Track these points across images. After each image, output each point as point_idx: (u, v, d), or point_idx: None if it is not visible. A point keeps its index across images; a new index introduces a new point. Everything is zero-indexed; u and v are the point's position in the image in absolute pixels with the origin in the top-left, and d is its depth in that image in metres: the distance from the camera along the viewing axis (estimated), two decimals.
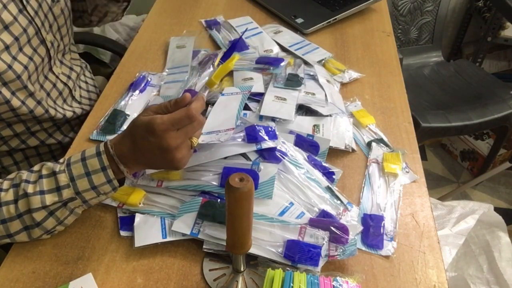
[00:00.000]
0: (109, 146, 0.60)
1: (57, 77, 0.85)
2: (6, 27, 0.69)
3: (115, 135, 0.66)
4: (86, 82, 0.99)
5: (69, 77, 0.89)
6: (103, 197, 0.62)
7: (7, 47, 0.69)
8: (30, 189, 0.59)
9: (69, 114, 0.87)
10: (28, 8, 0.74)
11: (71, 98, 0.90)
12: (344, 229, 0.61)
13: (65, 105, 0.88)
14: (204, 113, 0.79)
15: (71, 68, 0.91)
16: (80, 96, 0.94)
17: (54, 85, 0.84)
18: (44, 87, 0.81)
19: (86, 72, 1.01)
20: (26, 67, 0.73)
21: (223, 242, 0.60)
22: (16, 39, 0.71)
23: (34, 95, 0.76)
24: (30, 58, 0.74)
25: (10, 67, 0.70)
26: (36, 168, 0.62)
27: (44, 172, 0.60)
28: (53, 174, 0.60)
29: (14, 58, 0.71)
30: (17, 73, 0.71)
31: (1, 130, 0.78)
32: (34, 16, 0.75)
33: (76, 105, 0.91)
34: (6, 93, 0.71)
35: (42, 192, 0.59)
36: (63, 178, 0.59)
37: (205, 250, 0.62)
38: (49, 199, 0.59)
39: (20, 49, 0.72)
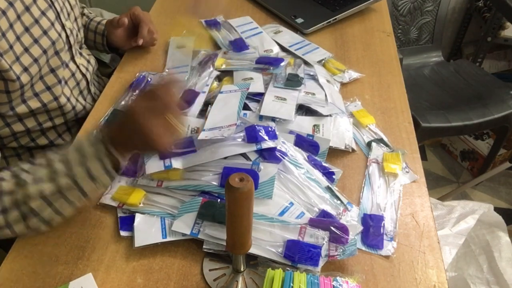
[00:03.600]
0: (102, 135, 0.60)
1: (77, 67, 0.87)
2: (27, 8, 0.71)
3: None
4: (100, 79, 1.02)
5: (87, 69, 0.91)
6: (101, 188, 0.62)
7: (27, 29, 0.71)
8: (29, 178, 0.59)
9: (79, 107, 0.88)
10: None
11: (87, 91, 0.92)
12: (344, 229, 0.61)
13: (80, 97, 0.89)
14: (204, 112, 0.80)
15: (88, 61, 0.93)
16: (95, 93, 0.96)
17: (73, 75, 0.86)
18: (64, 76, 0.83)
19: (97, 70, 1.02)
20: (45, 51, 0.75)
21: (223, 242, 0.60)
22: (36, 21, 0.73)
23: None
24: (53, 43, 0.76)
25: (26, 50, 0.71)
26: (36, 159, 0.62)
27: (43, 162, 0.60)
28: (51, 163, 0.60)
29: (36, 41, 0.73)
30: (34, 56, 0.73)
31: (13, 124, 0.79)
32: (54, 0, 0.78)
33: (89, 100, 0.92)
34: (18, 69, 0.71)
35: (40, 181, 0.58)
36: (60, 167, 0.59)
37: (205, 250, 0.62)
38: (47, 188, 0.58)
39: (45, 33, 0.74)
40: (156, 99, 0.59)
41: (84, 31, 0.97)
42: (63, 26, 0.80)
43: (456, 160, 2.00)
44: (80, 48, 0.93)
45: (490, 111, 1.48)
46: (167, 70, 0.95)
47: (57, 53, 0.78)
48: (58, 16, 0.78)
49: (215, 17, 1.13)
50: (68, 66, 0.84)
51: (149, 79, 0.92)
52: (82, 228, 0.66)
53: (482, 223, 1.19)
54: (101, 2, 1.80)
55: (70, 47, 0.84)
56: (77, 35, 0.87)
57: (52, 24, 0.76)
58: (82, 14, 1.01)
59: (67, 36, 0.82)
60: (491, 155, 1.81)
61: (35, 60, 0.73)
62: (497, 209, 1.22)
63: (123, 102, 0.85)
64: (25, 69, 0.72)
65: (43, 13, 0.74)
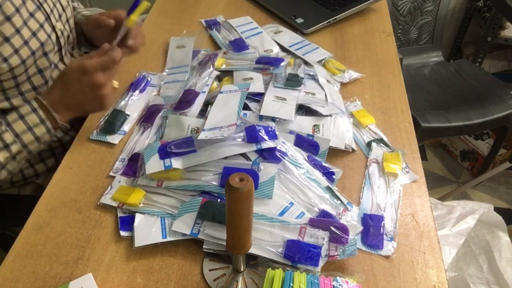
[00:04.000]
0: (41, 99, 0.72)
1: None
2: (17, 10, 0.71)
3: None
4: None
5: None
6: (42, 146, 0.76)
7: (17, 30, 0.71)
8: None
9: None
10: None
11: None
12: (344, 229, 0.61)
13: None
14: (204, 112, 0.80)
15: None
16: None
17: None
18: (52, 76, 0.82)
19: None
20: (33, 53, 0.75)
21: (223, 242, 0.60)
22: (25, 22, 0.73)
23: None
24: (42, 44, 0.76)
25: (17, 51, 0.71)
26: None
27: None
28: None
29: (26, 42, 0.73)
30: (22, 57, 0.73)
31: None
32: (43, 2, 0.77)
33: None
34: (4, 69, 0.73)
35: None
36: (8, 136, 0.70)
37: (205, 250, 0.62)
38: (2, 156, 0.71)
39: (34, 34, 0.74)
40: (109, 62, 0.71)
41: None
42: (53, 28, 0.80)
43: (456, 160, 2.01)
44: (72, 49, 0.92)
45: (490, 111, 1.48)
46: (167, 70, 0.95)
47: (45, 54, 0.78)
48: (48, 17, 0.78)
49: (215, 17, 1.13)
50: (57, 67, 0.84)
51: (149, 79, 0.92)
52: (82, 228, 0.66)
53: (482, 223, 1.19)
54: (101, 2, 1.81)
55: (60, 49, 0.84)
56: (68, 36, 0.87)
57: (41, 25, 0.76)
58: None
59: (57, 38, 0.81)
60: (491, 155, 1.81)
61: (23, 62, 0.73)
62: (497, 209, 1.22)
63: (123, 102, 0.85)
64: (11, 70, 0.73)
65: (32, 14, 0.74)
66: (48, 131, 0.74)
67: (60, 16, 0.83)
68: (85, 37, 0.96)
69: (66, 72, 0.73)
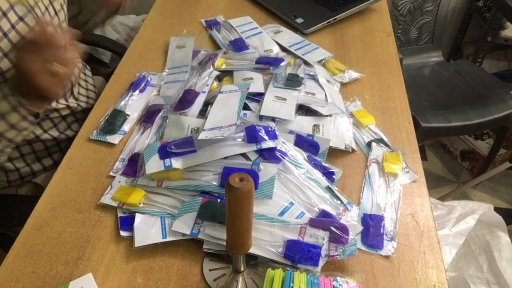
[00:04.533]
0: (7, 86, 0.69)
1: None
2: (4, 14, 0.70)
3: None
4: (86, 81, 0.99)
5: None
6: (25, 133, 0.73)
7: (5, 34, 0.71)
8: None
9: (60, 106, 0.87)
10: None
11: (70, 93, 0.91)
12: (344, 229, 0.61)
13: (62, 99, 0.89)
14: (204, 112, 0.80)
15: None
16: (78, 92, 0.94)
17: None
18: None
19: (86, 70, 1.01)
20: None
21: (223, 242, 0.60)
22: (13, 26, 0.72)
23: None
24: None
25: (6, 55, 0.71)
26: None
27: None
28: None
29: (15, 46, 0.72)
30: (14, 61, 0.72)
31: None
32: (34, 6, 0.76)
33: (72, 100, 0.92)
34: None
35: None
36: None
37: (205, 250, 0.62)
38: None
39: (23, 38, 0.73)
40: (38, 45, 0.65)
41: None
42: None
43: (456, 160, 2.00)
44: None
45: (490, 111, 1.48)
46: (167, 70, 0.95)
47: None
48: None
49: (215, 17, 1.13)
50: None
51: (149, 79, 0.92)
52: (82, 228, 0.66)
53: (482, 223, 1.19)
54: None
55: None
56: None
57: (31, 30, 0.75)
58: None
59: None
60: (491, 155, 1.81)
61: (15, 66, 0.72)
62: (497, 209, 1.22)
63: (123, 102, 0.85)
64: (1, 73, 0.72)
65: (21, 18, 0.74)
66: (24, 118, 0.71)
67: (52, 19, 0.82)
68: None
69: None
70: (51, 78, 0.67)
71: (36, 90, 0.68)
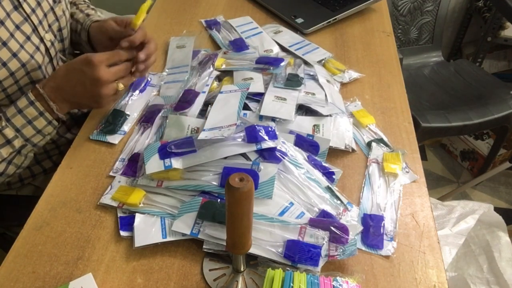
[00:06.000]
0: (39, 87, 0.69)
1: None
2: (1, 23, 0.70)
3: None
4: None
5: None
6: (48, 137, 0.74)
7: (4, 43, 0.70)
8: None
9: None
10: (24, 5, 0.74)
11: None
12: (344, 229, 0.61)
13: None
14: (204, 112, 0.80)
15: None
16: None
17: None
18: None
19: None
20: (24, 65, 0.73)
21: (223, 242, 0.60)
22: (12, 35, 0.71)
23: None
24: (31, 56, 0.74)
25: (4, 64, 0.71)
26: None
27: None
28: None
29: (15, 55, 0.71)
30: (11, 70, 0.72)
31: None
32: (31, 13, 0.75)
33: None
34: None
35: None
36: (9, 132, 0.69)
37: (205, 250, 0.62)
38: (5, 151, 0.69)
39: (22, 47, 0.73)
40: (116, 56, 0.71)
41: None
42: (41, 39, 0.78)
43: (456, 160, 2.01)
44: (65, 57, 0.91)
45: (490, 111, 1.48)
46: (167, 70, 0.95)
47: (40, 67, 0.77)
48: (35, 29, 0.76)
49: (215, 17, 1.13)
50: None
51: (149, 79, 0.92)
52: (82, 228, 0.66)
53: (482, 223, 1.19)
54: (101, 2, 1.80)
55: (51, 60, 0.82)
56: (62, 45, 0.86)
57: (28, 37, 0.75)
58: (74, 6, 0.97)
59: (46, 49, 0.80)
60: (491, 155, 1.81)
61: (12, 74, 0.72)
62: (497, 209, 1.22)
63: (123, 102, 0.85)
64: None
65: (18, 26, 0.73)
66: (49, 123, 0.72)
67: (50, 26, 0.81)
68: (91, 44, 0.92)
69: (72, 61, 0.70)
70: (113, 91, 0.72)
71: (93, 101, 0.72)
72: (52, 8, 0.81)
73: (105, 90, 0.70)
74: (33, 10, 0.76)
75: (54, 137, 0.82)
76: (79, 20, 0.92)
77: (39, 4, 0.77)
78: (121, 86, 0.72)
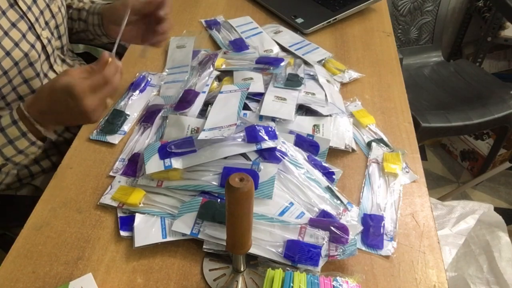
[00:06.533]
0: (23, 109, 0.65)
1: (57, 75, 0.85)
2: None
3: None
4: None
5: None
6: (32, 156, 0.71)
7: None
8: None
9: None
10: (20, 3, 0.74)
11: None
12: (344, 229, 0.61)
13: None
14: (204, 112, 0.80)
15: (72, 67, 0.92)
16: None
17: None
18: (40, 84, 0.81)
19: None
20: (16, 63, 0.73)
21: (223, 242, 0.60)
22: (6, 33, 0.71)
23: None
24: (26, 54, 0.74)
25: None
26: None
27: None
28: None
29: (8, 53, 0.71)
30: (4, 69, 0.71)
31: None
32: (27, 11, 0.75)
33: None
34: None
35: None
36: None
37: (205, 250, 0.62)
38: None
39: (16, 45, 0.73)
40: (101, 84, 0.63)
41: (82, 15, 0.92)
42: (38, 37, 0.78)
43: (456, 160, 2.01)
44: (63, 54, 0.90)
45: (490, 111, 1.48)
46: (167, 70, 0.95)
47: (31, 64, 0.76)
48: (32, 26, 0.76)
49: (215, 17, 1.13)
50: (47, 75, 0.83)
51: (149, 79, 0.92)
52: (82, 228, 0.66)
53: (482, 223, 1.19)
54: None
55: (47, 57, 0.82)
56: (60, 42, 0.86)
57: (24, 35, 0.74)
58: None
59: (43, 47, 0.79)
60: (491, 155, 1.81)
61: (5, 73, 0.72)
62: (497, 209, 1.22)
63: (123, 102, 0.85)
64: None
65: (14, 24, 0.73)
66: (33, 143, 0.68)
67: (47, 23, 0.81)
68: (103, 28, 0.90)
69: (54, 88, 0.63)
70: (102, 111, 0.67)
71: (82, 121, 0.70)
72: (48, 5, 0.81)
73: (93, 116, 0.65)
74: (29, 8, 0.76)
75: (38, 157, 0.84)
76: (84, 7, 0.91)
77: (34, 1, 0.77)
78: (109, 102, 0.68)
